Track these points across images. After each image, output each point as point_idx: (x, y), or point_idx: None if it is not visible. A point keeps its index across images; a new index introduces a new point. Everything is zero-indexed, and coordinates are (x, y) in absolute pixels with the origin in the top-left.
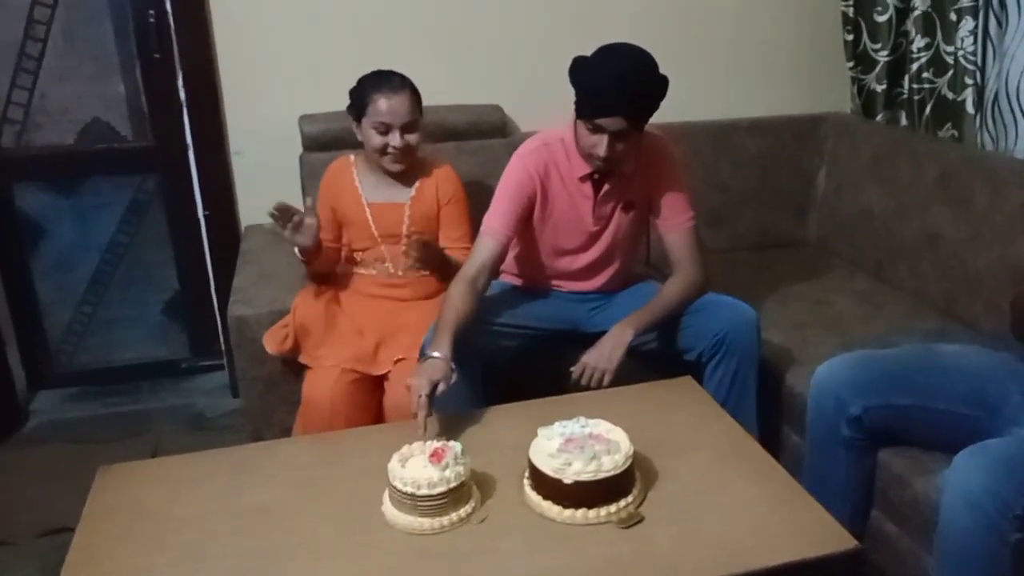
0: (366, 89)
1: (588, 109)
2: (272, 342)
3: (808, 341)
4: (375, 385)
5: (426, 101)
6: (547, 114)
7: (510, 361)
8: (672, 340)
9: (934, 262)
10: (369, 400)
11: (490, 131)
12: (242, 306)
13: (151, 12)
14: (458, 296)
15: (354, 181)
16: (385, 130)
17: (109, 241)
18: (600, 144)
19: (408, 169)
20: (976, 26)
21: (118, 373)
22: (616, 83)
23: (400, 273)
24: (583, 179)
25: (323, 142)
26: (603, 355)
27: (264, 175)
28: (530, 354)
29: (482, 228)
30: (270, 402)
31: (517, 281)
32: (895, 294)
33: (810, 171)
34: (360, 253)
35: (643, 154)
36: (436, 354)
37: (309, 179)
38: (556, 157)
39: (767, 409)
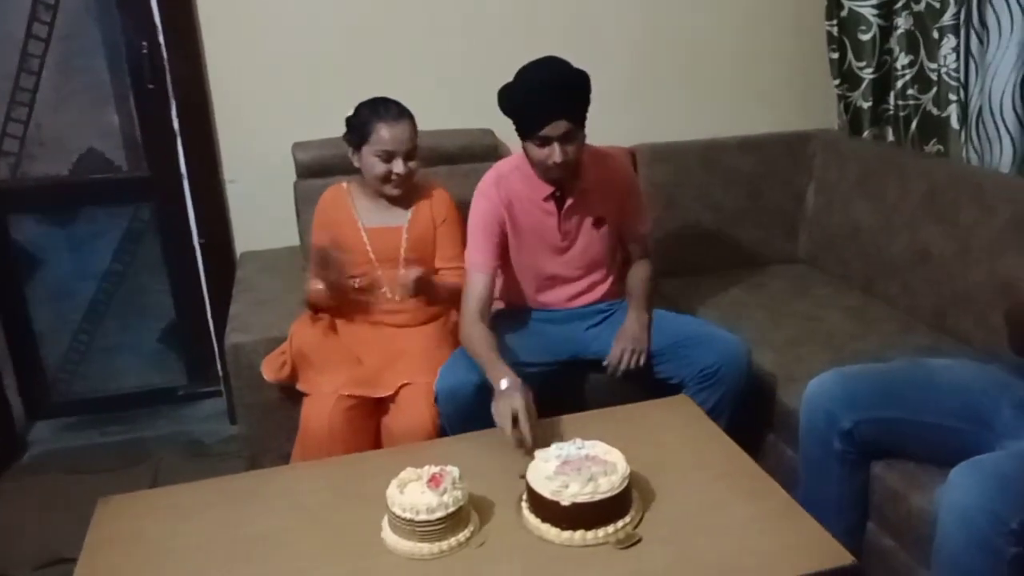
0: (367, 117)
1: (530, 124)
2: (270, 369)
3: (801, 358)
4: (373, 410)
5: (420, 126)
6: None
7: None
8: (663, 369)
9: (924, 277)
10: (367, 425)
11: (483, 154)
12: (239, 333)
13: (144, 43)
14: (480, 333)
15: (350, 208)
16: (388, 158)
17: (105, 270)
18: (553, 152)
19: (404, 193)
20: (958, 44)
21: (115, 401)
22: (543, 90)
23: (398, 298)
24: (546, 199)
25: (316, 169)
26: (634, 335)
27: (258, 202)
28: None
29: (467, 267)
30: (268, 428)
31: (504, 307)
32: (886, 310)
33: (799, 188)
34: (357, 279)
35: (602, 169)
36: (504, 384)
37: (303, 205)
38: (514, 186)
39: (763, 426)
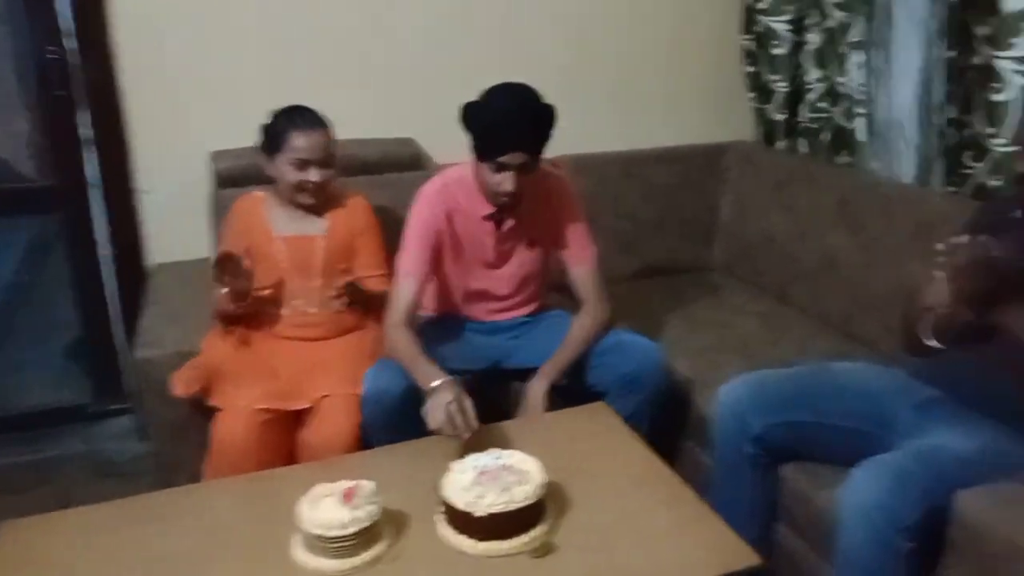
0: (281, 125)
1: (490, 149)
2: (181, 384)
3: (715, 364)
4: (289, 425)
5: (339, 135)
6: (460, 146)
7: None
8: (583, 378)
9: (833, 285)
10: (281, 440)
11: (404, 164)
12: (149, 348)
13: (52, 48)
14: (405, 338)
15: (263, 217)
16: (302, 166)
17: (8, 283)
18: (506, 180)
19: (321, 202)
20: (865, 60)
21: (19, 420)
22: (512, 120)
23: (314, 310)
24: (485, 218)
25: (236, 178)
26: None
27: (174, 213)
28: None
29: (399, 271)
30: (180, 446)
31: (434, 314)
32: (798, 316)
33: (715, 198)
34: (271, 291)
35: (543, 191)
36: (436, 383)
37: (221, 216)
38: (458, 197)
39: (681, 432)
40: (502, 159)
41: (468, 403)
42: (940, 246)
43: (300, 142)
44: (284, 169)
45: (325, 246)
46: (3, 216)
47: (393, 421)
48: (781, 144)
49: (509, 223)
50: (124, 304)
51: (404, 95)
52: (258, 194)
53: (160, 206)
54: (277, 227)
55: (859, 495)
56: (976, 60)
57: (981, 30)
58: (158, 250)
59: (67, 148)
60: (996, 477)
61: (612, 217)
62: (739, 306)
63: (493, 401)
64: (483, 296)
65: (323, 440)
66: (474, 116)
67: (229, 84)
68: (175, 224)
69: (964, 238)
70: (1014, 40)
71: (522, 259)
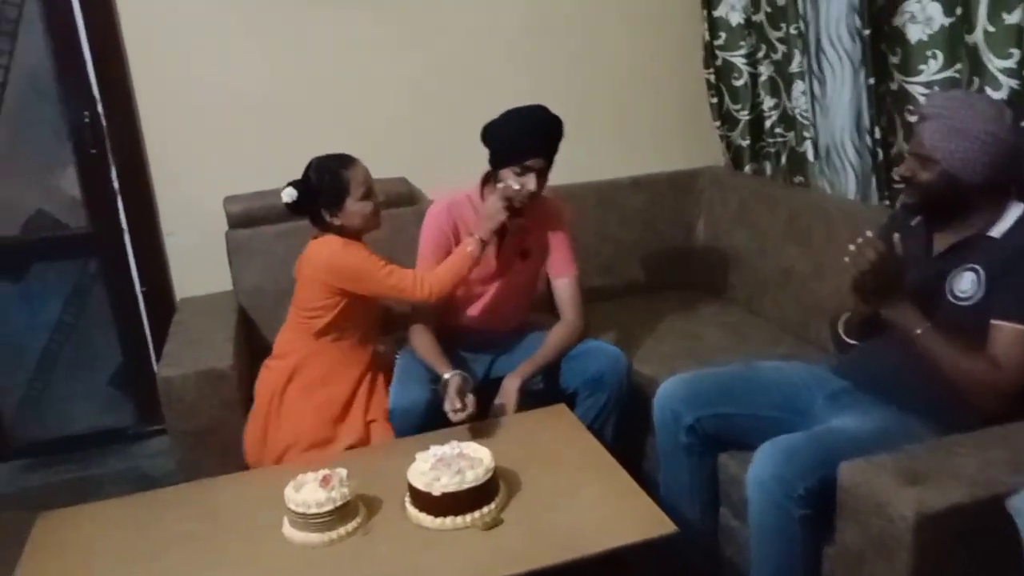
0: (334, 173)
1: (515, 156)
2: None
3: (676, 370)
4: None
5: None
6: (447, 182)
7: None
8: (555, 380)
9: (790, 293)
10: None
11: (399, 201)
12: (169, 368)
13: (86, 113)
14: (427, 338)
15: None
16: (370, 194)
17: (56, 322)
18: (529, 181)
19: None
20: (806, 88)
21: (69, 443)
22: (534, 130)
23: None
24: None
25: (246, 220)
26: (498, 406)
27: (195, 252)
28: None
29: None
30: (200, 453)
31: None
32: (760, 324)
33: (690, 220)
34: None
35: (540, 212)
36: (447, 375)
37: (235, 253)
38: (463, 214)
39: (646, 431)
40: (527, 163)
41: (470, 395)
42: (852, 246)
43: (359, 175)
44: (359, 205)
45: None
46: (49, 260)
47: (419, 430)
48: (749, 168)
49: (509, 236)
50: (156, 335)
51: (396, 140)
52: (335, 238)
53: (183, 247)
54: None
55: (758, 469)
56: (892, 86)
57: (893, 59)
58: (184, 286)
59: (103, 199)
60: (879, 453)
61: (594, 241)
62: (709, 318)
63: (484, 404)
64: (478, 305)
65: None
66: (497, 132)
67: (238, 136)
68: (197, 262)
69: (869, 234)
70: (921, 67)
71: (517, 270)
